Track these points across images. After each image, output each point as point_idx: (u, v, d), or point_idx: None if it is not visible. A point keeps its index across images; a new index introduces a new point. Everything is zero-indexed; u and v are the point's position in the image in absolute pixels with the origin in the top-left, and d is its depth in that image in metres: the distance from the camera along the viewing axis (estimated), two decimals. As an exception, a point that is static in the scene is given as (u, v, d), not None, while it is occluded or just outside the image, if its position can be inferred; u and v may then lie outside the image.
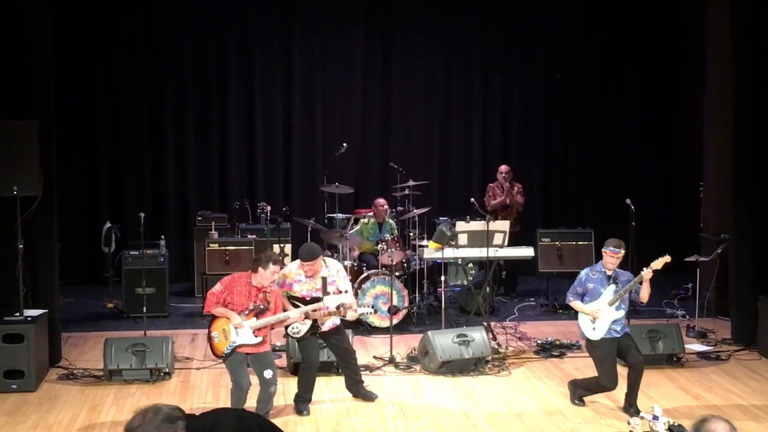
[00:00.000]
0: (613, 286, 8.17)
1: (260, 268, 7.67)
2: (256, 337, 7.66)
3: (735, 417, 8.02)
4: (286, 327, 8.19)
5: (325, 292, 8.13)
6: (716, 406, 8.37)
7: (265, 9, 13.79)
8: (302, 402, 8.28)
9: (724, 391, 8.83)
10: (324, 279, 8.18)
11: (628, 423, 6.92)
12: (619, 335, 8.19)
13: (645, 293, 8.16)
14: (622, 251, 8.22)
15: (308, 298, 8.14)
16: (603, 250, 8.25)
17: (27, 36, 9.22)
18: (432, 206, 12.72)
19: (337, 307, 8.11)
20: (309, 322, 8.12)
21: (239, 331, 7.63)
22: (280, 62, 13.91)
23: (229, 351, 7.66)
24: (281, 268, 7.79)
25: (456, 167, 14.43)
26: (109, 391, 8.77)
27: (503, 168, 12.57)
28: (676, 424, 7.01)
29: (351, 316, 8.28)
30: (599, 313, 8.14)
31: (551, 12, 14.28)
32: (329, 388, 8.89)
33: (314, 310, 8.08)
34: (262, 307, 7.68)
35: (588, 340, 8.30)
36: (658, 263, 8.09)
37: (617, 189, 14.08)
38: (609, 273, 8.24)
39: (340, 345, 8.42)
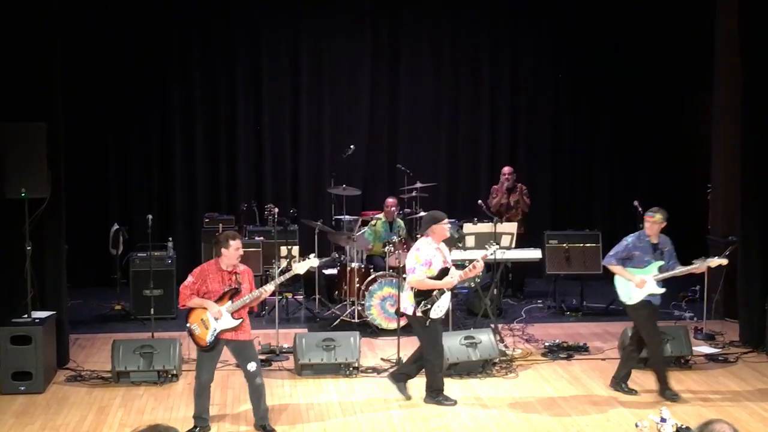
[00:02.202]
0: (660, 262, 8.43)
1: (223, 250, 7.69)
2: (235, 319, 7.63)
3: (743, 419, 8.01)
4: (427, 312, 8.24)
5: (449, 261, 8.50)
6: (724, 409, 8.35)
7: (272, 11, 13.81)
8: (440, 394, 8.51)
9: (732, 394, 8.80)
10: (442, 250, 8.49)
11: (636, 425, 6.91)
12: (654, 302, 8.51)
13: (702, 270, 8.60)
14: (658, 216, 8.50)
15: (439, 272, 8.34)
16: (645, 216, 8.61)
17: (35, 38, 9.24)
18: (439, 208, 12.67)
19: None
20: (448, 296, 8.41)
21: (219, 317, 7.63)
22: (288, 64, 13.93)
23: (212, 339, 7.64)
24: (242, 240, 7.80)
25: (463, 169, 14.42)
26: (117, 393, 8.78)
27: (506, 170, 12.58)
28: (684, 426, 6.98)
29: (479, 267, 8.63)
30: (644, 285, 8.41)
31: (559, 12, 14.28)
32: (336, 389, 8.90)
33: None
34: (235, 287, 7.66)
35: (624, 304, 8.64)
36: (714, 262, 8.50)
37: (625, 191, 14.05)
38: (654, 241, 8.52)
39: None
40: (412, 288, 8.31)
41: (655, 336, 8.70)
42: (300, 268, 7.93)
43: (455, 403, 8.46)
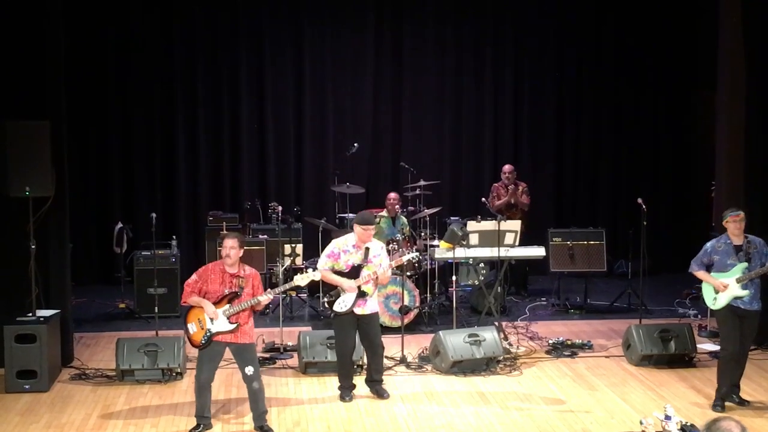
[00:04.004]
0: (745, 264, 8.27)
1: (220, 249, 7.69)
2: (231, 323, 7.62)
3: (747, 416, 8.01)
4: (331, 304, 8.40)
5: (367, 261, 8.41)
6: (728, 406, 8.34)
7: (276, 9, 13.81)
8: (344, 390, 8.56)
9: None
10: (368, 249, 8.46)
11: (641, 423, 6.91)
12: (744, 307, 8.30)
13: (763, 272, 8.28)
14: (742, 214, 8.35)
15: (348, 270, 8.38)
16: (724, 221, 8.40)
17: (39, 36, 9.25)
18: (443, 206, 12.72)
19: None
20: (355, 293, 8.35)
21: (214, 319, 7.62)
22: (291, 62, 13.92)
23: (205, 340, 7.64)
24: (237, 240, 7.72)
25: (467, 167, 14.42)
26: (122, 391, 8.80)
27: (507, 168, 12.56)
28: (688, 423, 6.98)
29: (381, 275, 8.48)
30: (726, 288, 8.29)
31: (563, 10, 14.27)
32: (341, 387, 8.91)
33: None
34: (235, 291, 7.63)
35: (710, 309, 8.57)
36: None
37: (629, 188, 14.07)
38: (736, 243, 8.35)
39: (371, 337, 8.55)
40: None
41: (728, 343, 8.41)
42: (301, 280, 7.94)
43: (349, 401, 8.49)
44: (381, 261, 8.50)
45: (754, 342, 10.21)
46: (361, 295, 8.39)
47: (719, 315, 8.47)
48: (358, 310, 8.42)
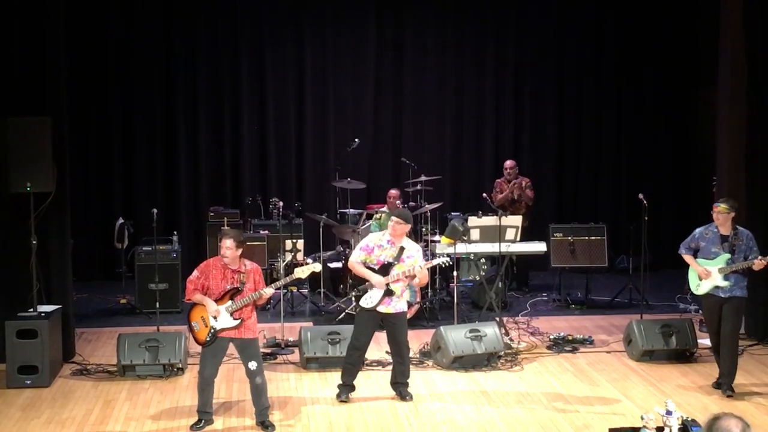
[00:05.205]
0: (728, 255, 8.42)
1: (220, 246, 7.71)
2: (234, 319, 7.62)
3: (748, 412, 8.00)
4: (358, 299, 8.33)
5: (399, 259, 8.28)
6: (730, 401, 8.34)
7: (277, 5, 13.80)
8: (343, 387, 8.43)
9: (737, 387, 8.76)
10: (402, 249, 8.32)
11: (642, 418, 6.94)
12: (724, 295, 8.46)
13: (758, 267, 8.40)
14: (722, 206, 8.46)
15: (379, 266, 8.27)
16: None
17: (40, 32, 9.25)
18: (444, 201, 12.71)
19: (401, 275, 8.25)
20: (382, 290, 8.24)
21: (217, 316, 7.62)
22: (292, 58, 13.92)
23: (210, 338, 7.65)
24: (234, 241, 7.64)
25: (468, 162, 14.42)
26: (123, 387, 8.80)
27: (508, 163, 12.57)
28: (689, 419, 7.01)
29: (419, 273, 8.25)
30: (708, 276, 8.48)
31: (565, 7, 14.26)
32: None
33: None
34: (236, 287, 7.63)
35: (693, 294, 8.85)
36: None
37: (630, 184, 14.05)
38: (723, 233, 8.50)
39: (398, 337, 8.43)
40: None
41: (709, 331, 8.76)
42: (302, 273, 7.91)
43: (344, 401, 8.37)
44: (415, 262, 8.31)
45: (754, 337, 10.25)
46: (389, 293, 8.26)
47: (702, 302, 8.81)
48: (382, 308, 8.29)
